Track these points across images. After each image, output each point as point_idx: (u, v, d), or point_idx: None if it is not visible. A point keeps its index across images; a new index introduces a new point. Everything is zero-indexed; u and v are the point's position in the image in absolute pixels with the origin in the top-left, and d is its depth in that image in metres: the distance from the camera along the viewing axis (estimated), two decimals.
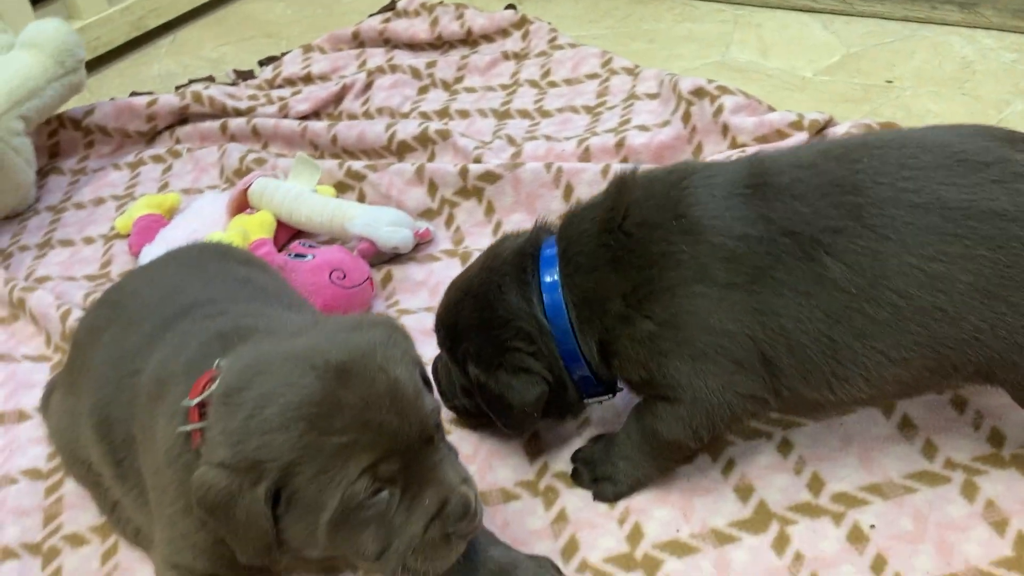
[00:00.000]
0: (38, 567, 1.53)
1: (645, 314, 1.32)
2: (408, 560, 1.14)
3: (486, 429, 1.60)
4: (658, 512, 1.44)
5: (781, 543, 1.36)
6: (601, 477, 1.49)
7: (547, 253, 1.43)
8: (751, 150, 2.08)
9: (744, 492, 1.44)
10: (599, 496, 1.48)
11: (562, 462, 1.55)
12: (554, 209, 2.03)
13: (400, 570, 1.15)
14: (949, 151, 1.25)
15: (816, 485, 1.44)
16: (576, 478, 1.51)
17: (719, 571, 1.34)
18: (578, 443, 1.57)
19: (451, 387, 1.54)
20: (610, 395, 1.49)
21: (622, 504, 1.46)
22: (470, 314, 1.45)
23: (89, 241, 2.35)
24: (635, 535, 1.41)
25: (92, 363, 1.47)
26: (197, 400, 1.18)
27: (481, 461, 1.58)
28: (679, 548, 1.38)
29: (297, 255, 1.89)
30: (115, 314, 1.50)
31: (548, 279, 1.40)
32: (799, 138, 2.10)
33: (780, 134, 2.12)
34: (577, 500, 1.49)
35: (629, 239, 1.34)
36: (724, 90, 2.22)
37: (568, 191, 2.08)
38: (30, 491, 1.67)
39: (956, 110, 2.28)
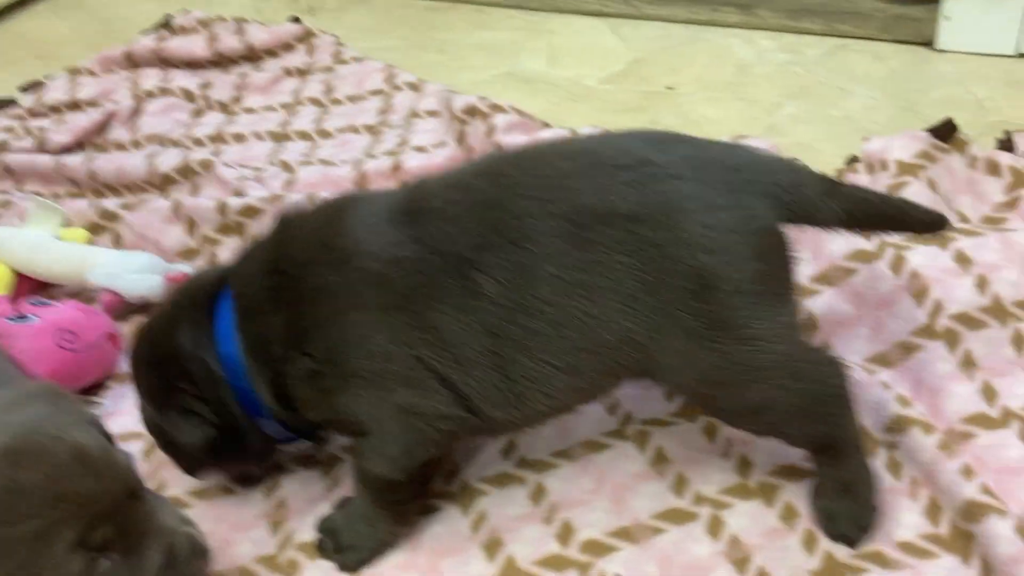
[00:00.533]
0: None
1: (304, 351, 1.28)
2: None
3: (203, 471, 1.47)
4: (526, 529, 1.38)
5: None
6: (345, 545, 1.39)
7: (226, 295, 1.36)
8: None
9: (493, 548, 1.37)
10: (343, 567, 1.38)
11: (308, 530, 1.44)
12: None
13: None
14: (588, 158, 1.23)
15: (566, 534, 1.38)
16: (321, 549, 1.41)
17: None
18: (325, 507, 1.47)
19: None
20: (312, 440, 1.46)
21: (366, 573, 1.37)
22: (146, 351, 1.40)
23: None
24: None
25: None
26: None
27: (220, 537, 1.45)
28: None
29: (19, 317, 1.71)
30: None
31: (222, 325, 1.34)
32: None
33: None
34: (321, 574, 1.38)
35: (285, 278, 1.30)
36: (497, 108, 2.15)
37: None
38: None
39: (731, 115, 2.29)
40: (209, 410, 1.34)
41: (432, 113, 2.36)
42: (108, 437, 1.14)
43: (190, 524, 1.11)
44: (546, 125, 2.18)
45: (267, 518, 1.47)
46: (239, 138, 2.43)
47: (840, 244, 1.64)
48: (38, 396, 1.11)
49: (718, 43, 2.58)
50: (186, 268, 1.97)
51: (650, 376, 1.28)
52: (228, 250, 1.99)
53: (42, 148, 2.42)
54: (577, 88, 2.48)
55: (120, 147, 2.44)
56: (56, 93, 2.67)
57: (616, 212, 1.17)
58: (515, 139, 2.08)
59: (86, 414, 1.14)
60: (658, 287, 1.17)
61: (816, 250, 1.66)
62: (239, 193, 2.07)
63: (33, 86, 2.76)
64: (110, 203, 2.10)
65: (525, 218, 1.20)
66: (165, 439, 1.39)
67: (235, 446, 1.37)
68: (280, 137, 2.41)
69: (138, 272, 1.87)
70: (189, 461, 1.41)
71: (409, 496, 1.41)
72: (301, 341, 1.28)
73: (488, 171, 1.29)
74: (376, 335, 1.24)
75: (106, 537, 1.01)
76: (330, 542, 1.40)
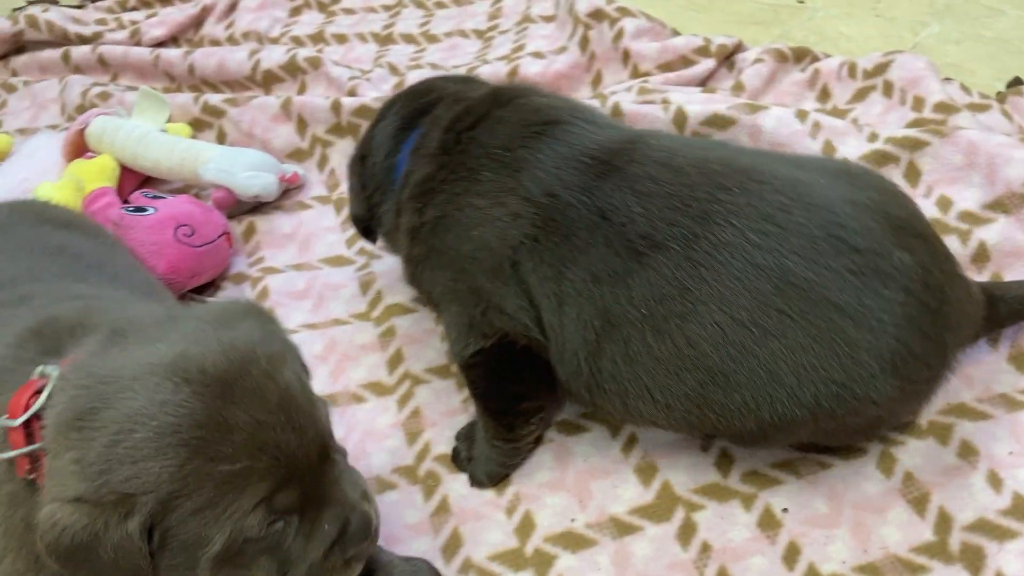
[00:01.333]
0: None
1: (421, 207, 1.32)
2: None
3: None
4: (551, 499, 1.28)
5: (687, 532, 1.22)
6: (473, 457, 1.32)
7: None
8: (655, 79, 1.90)
9: (647, 473, 1.29)
10: (473, 480, 1.32)
11: (445, 443, 1.37)
12: None
13: None
14: (827, 219, 1.12)
15: (725, 464, 1.29)
16: (455, 459, 1.34)
17: (618, 567, 1.19)
18: (464, 420, 1.40)
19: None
20: None
21: (511, 490, 1.30)
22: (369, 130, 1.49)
23: None
24: (525, 527, 1.25)
25: None
26: (23, 419, 0.95)
27: (354, 444, 1.38)
28: (574, 541, 1.22)
29: (136, 209, 1.63)
30: None
31: (407, 144, 1.41)
32: (707, 65, 1.92)
33: (686, 60, 1.94)
34: (461, 487, 1.31)
35: (459, 144, 1.31)
36: (625, 12, 2.01)
37: None
38: None
39: (869, 33, 2.13)
40: (367, 191, 1.46)
41: (547, 18, 2.23)
42: (306, 369, 1.07)
43: (369, 500, 1.04)
44: (675, 33, 2.04)
45: (402, 427, 1.40)
46: (340, 39, 2.31)
47: (1018, 169, 1.50)
48: (247, 315, 1.04)
49: None
50: (298, 169, 1.88)
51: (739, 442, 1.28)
52: (340, 152, 1.90)
53: (136, 42, 2.32)
54: None
55: (215, 43, 2.34)
56: None
57: (826, 299, 1.09)
58: (645, 46, 1.95)
59: (290, 343, 1.06)
60: None
61: (990, 175, 1.53)
62: (352, 93, 1.96)
63: None
64: (214, 98, 2.00)
65: (723, 251, 1.12)
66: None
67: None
68: (384, 40, 2.29)
69: (251, 170, 1.78)
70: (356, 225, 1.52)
71: (509, 407, 1.31)
72: (426, 197, 1.31)
73: (712, 170, 1.19)
74: (484, 228, 1.24)
75: (291, 501, 0.96)
76: (464, 451, 1.34)
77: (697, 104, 1.71)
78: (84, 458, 0.91)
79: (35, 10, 2.40)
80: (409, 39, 2.28)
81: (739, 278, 1.11)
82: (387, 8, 2.41)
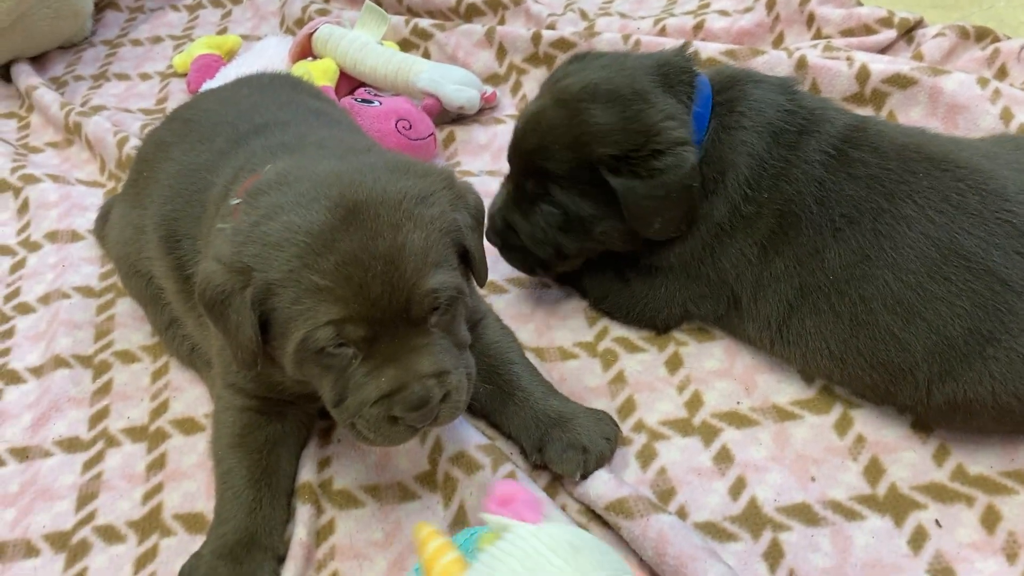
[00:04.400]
0: (89, 378, 1.53)
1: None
2: (357, 422, 1.10)
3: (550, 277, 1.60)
4: (720, 384, 1.42)
5: (844, 424, 1.34)
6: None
7: (703, 81, 1.44)
8: (837, 42, 2.00)
9: (810, 374, 1.42)
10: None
11: (623, 329, 1.53)
12: None
13: (350, 427, 1.12)
14: (1000, 205, 1.25)
15: None
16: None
17: (777, 444, 1.32)
18: None
19: (530, 231, 1.47)
20: None
21: (683, 372, 1.44)
22: (604, 115, 1.36)
23: (145, 77, 2.31)
24: (694, 402, 1.39)
25: (160, 176, 1.44)
26: (239, 200, 1.14)
27: (539, 321, 1.55)
28: (738, 419, 1.36)
29: (364, 100, 1.84)
30: (187, 129, 1.46)
31: (701, 109, 1.41)
32: (887, 35, 2.02)
33: (868, 29, 2.04)
34: (636, 364, 1.46)
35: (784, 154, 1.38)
36: None
37: None
38: (83, 307, 1.66)
39: None
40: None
41: None
42: (465, 252, 1.15)
43: (444, 381, 1.08)
44: (859, 3, 2.14)
45: (584, 312, 1.56)
46: None
47: None
48: (431, 175, 1.14)
49: None
50: (495, 90, 2.06)
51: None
52: (533, 80, 2.07)
53: None
54: None
55: None
56: None
57: (991, 269, 1.21)
58: (830, 11, 2.06)
59: (453, 217, 1.12)
60: None
61: None
62: (551, 27, 2.13)
63: None
64: (424, 22, 2.20)
65: (901, 224, 1.26)
66: (636, 199, 1.37)
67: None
68: None
69: (458, 84, 1.97)
70: (677, 203, 1.39)
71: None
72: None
73: (907, 157, 1.32)
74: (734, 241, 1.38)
75: (358, 336, 1.04)
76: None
77: (880, 63, 1.82)
78: (237, 228, 1.08)
79: None
80: None
81: (912, 247, 1.26)
82: None
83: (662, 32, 2.15)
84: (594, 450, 1.27)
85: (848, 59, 1.85)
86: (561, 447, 1.27)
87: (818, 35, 2.06)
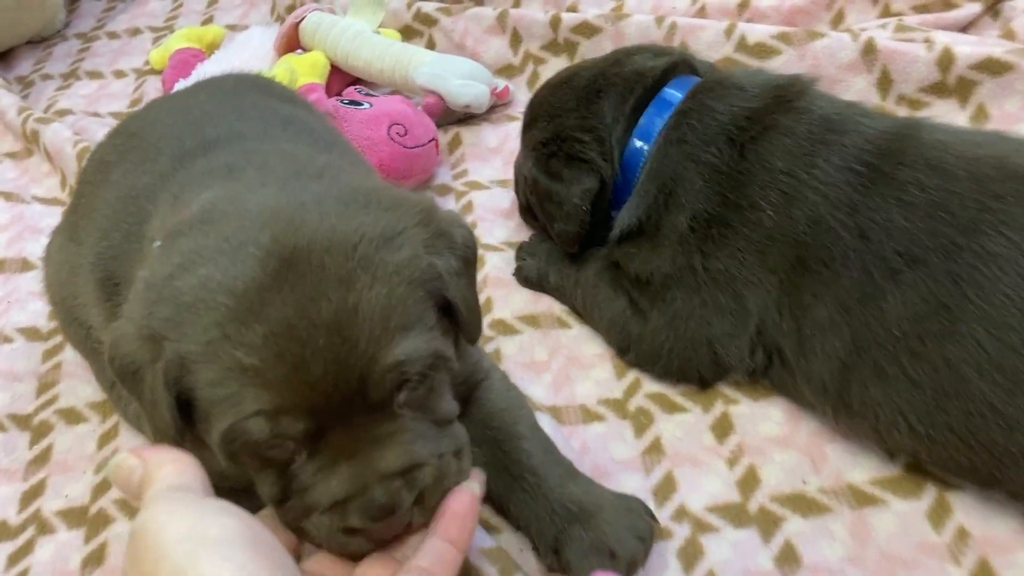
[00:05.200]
0: (25, 443, 1.30)
1: (693, 206, 1.17)
2: (306, 526, 0.85)
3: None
4: (780, 455, 1.14)
5: (940, 512, 1.06)
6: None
7: (668, 93, 1.26)
8: (910, 20, 1.70)
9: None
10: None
11: (655, 382, 1.26)
12: None
13: (297, 532, 0.87)
14: None
15: None
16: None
17: (856, 539, 1.05)
18: None
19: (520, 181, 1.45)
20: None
21: (733, 439, 1.17)
22: (552, 101, 1.34)
23: (120, 75, 2.06)
24: (749, 481, 1.12)
25: (98, 204, 1.19)
26: (158, 243, 0.89)
27: (557, 371, 1.29)
28: (805, 504, 1.09)
29: (351, 102, 1.58)
30: (129, 146, 1.21)
31: (648, 119, 1.25)
32: (971, 9, 1.70)
33: (946, 3, 1.72)
34: (675, 428, 1.20)
35: (743, 159, 1.15)
36: None
37: None
38: (26, 353, 1.43)
39: None
40: (600, 164, 1.28)
41: None
42: (449, 305, 0.89)
43: (412, 484, 0.84)
44: None
45: (611, 360, 1.30)
46: None
47: None
48: (400, 208, 0.87)
49: None
50: (508, 83, 1.79)
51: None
52: (552, 70, 1.78)
53: None
54: None
55: None
56: None
57: None
58: None
59: (426, 263, 0.85)
60: None
61: None
62: (572, 9, 1.84)
63: None
64: (428, 6, 1.92)
65: (992, 263, 0.98)
66: (540, 192, 1.34)
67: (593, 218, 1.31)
68: None
69: (464, 78, 1.69)
70: (566, 215, 1.30)
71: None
72: (702, 197, 1.16)
73: (985, 175, 1.02)
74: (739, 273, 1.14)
75: (296, 432, 0.80)
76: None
77: (966, 45, 1.52)
78: (150, 282, 0.84)
79: None
80: None
81: (1009, 295, 0.95)
82: None
83: (701, 12, 1.85)
84: (624, 554, 1.01)
85: (927, 41, 1.55)
86: (582, 550, 1.01)
87: (886, 11, 1.75)
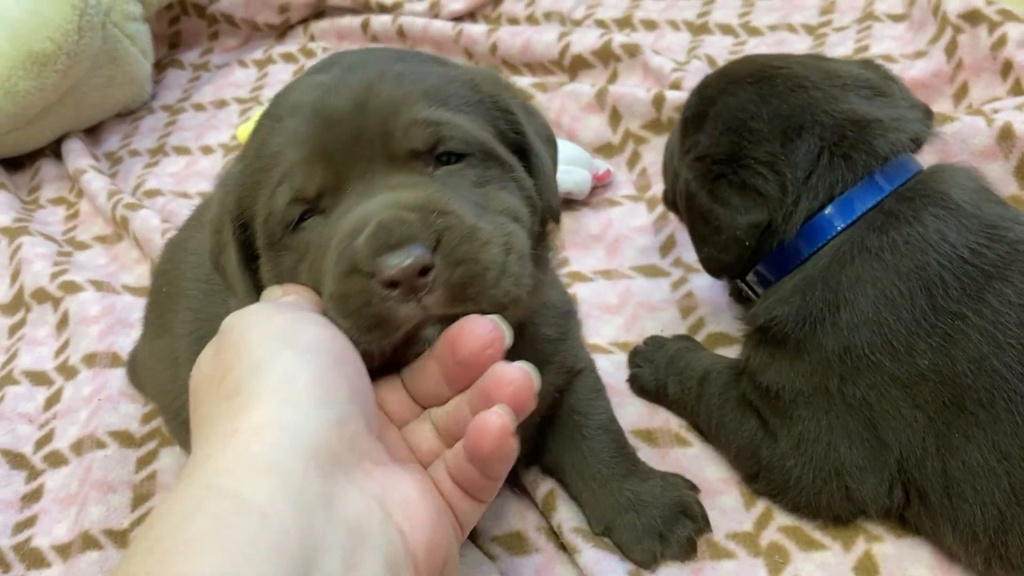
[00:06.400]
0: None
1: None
2: (328, 309, 0.76)
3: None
4: None
5: None
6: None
7: (893, 172, 1.09)
8: None
9: None
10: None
11: (786, 515, 1.16)
12: None
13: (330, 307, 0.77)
14: None
15: None
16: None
17: None
18: None
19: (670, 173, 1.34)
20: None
21: None
22: (736, 108, 1.14)
23: (207, 151, 2.03)
24: None
25: (181, 285, 1.15)
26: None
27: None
28: None
29: None
30: (198, 217, 1.22)
31: (853, 198, 1.08)
32: None
33: None
34: (815, 568, 1.09)
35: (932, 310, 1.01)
36: (1009, 16, 1.69)
37: None
38: (119, 460, 1.38)
39: None
40: (774, 197, 1.10)
41: (896, 16, 1.94)
42: (488, 148, 0.86)
43: (445, 212, 0.77)
44: None
45: (737, 485, 1.20)
46: (650, 25, 2.12)
47: None
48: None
49: None
50: (608, 165, 1.71)
51: None
52: (654, 151, 1.71)
53: (435, 14, 2.23)
54: None
55: (513, 21, 2.22)
56: None
57: None
58: None
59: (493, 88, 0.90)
60: None
61: None
62: (676, 86, 1.76)
63: None
64: (523, 81, 1.86)
65: None
66: (695, 208, 1.18)
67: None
68: (698, 30, 2.07)
69: (566, 163, 1.62)
70: (721, 245, 1.16)
71: None
72: (865, 334, 1.03)
73: None
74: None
75: (313, 185, 0.79)
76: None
77: None
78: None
79: None
80: (727, 30, 2.05)
81: None
82: None
83: None
84: (675, 537, 1.10)
85: None
86: (635, 535, 1.11)
87: (1017, 88, 1.63)
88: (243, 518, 0.56)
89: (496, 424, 0.69)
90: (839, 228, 1.07)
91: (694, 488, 1.17)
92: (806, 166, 1.09)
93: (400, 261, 0.70)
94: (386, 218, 0.72)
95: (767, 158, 1.10)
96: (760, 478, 1.16)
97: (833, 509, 1.10)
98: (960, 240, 1.00)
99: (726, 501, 1.19)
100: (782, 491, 1.14)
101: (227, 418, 0.64)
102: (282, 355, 0.66)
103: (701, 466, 1.23)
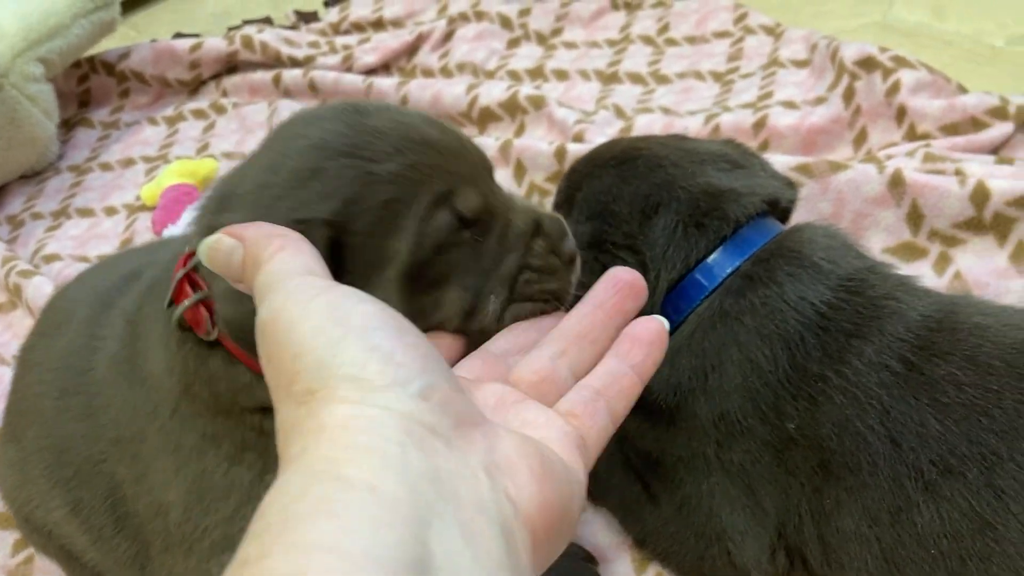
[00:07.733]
0: None
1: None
2: (515, 298, 0.84)
3: None
4: None
5: None
6: None
7: (750, 236, 1.06)
8: (938, 143, 1.60)
9: None
10: None
11: None
12: None
13: (496, 318, 0.83)
14: None
15: None
16: None
17: None
18: None
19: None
20: None
21: None
22: (599, 192, 1.11)
23: (111, 212, 1.99)
24: None
25: (27, 394, 1.10)
26: (181, 274, 0.83)
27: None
28: None
29: None
30: (42, 328, 1.16)
31: (719, 260, 1.05)
32: (1002, 129, 1.60)
33: (976, 123, 1.62)
34: None
35: (792, 369, 0.99)
36: (902, 62, 1.72)
37: None
38: None
39: None
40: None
41: (799, 63, 1.96)
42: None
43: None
44: (962, 89, 1.72)
45: None
46: (561, 75, 2.12)
47: None
48: None
49: None
50: None
51: None
52: None
53: (348, 68, 2.22)
54: (977, 47, 2.00)
55: (428, 74, 2.21)
56: (361, 9, 2.47)
57: None
58: (926, 103, 1.65)
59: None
60: None
61: None
62: (579, 138, 1.76)
63: (337, 0, 2.58)
64: None
65: None
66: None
67: None
68: (608, 79, 2.08)
69: None
70: None
71: None
72: (736, 400, 1.01)
73: (1016, 360, 0.90)
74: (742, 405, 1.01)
75: (473, 203, 0.81)
76: None
77: (1002, 179, 1.41)
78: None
79: (250, 30, 2.34)
80: (636, 79, 2.06)
81: None
82: (612, 44, 2.20)
83: (715, 133, 1.76)
84: None
85: (958, 173, 1.44)
86: None
87: (912, 133, 1.65)
88: (351, 494, 0.52)
89: (656, 320, 0.76)
90: (700, 296, 1.05)
91: (592, 560, 1.14)
92: (664, 242, 1.06)
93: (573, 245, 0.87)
94: (553, 222, 0.86)
95: (626, 241, 1.07)
96: (647, 543, 1.13)
97: (717, 574, 1.08)
98: (817, 296, 0.99)
99: (618, 568, 1.16)
100: (667, 556, 1.11)
101: (309, 417, 0.59)
102: (343, 344, 0.61)
103: (594, 531, 1.20)
